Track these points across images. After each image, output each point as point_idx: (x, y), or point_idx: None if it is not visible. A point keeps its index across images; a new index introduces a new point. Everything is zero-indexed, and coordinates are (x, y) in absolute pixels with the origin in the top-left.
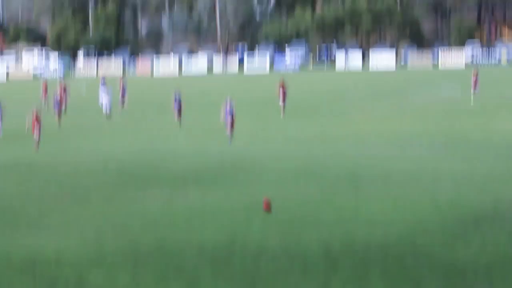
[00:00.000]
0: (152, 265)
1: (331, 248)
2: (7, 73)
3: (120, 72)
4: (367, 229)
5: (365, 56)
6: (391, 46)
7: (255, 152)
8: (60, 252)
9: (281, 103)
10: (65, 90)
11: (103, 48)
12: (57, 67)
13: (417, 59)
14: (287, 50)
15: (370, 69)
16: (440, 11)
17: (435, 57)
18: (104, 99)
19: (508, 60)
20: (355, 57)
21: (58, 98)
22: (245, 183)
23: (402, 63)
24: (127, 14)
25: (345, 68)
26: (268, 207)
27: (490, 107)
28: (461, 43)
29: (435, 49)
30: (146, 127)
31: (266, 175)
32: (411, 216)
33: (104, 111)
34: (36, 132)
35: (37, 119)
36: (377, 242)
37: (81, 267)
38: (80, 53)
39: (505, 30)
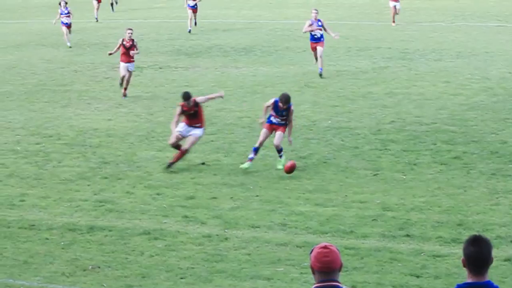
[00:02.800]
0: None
1: (382, 124)
2: None
3: None
4: (417, 107)
5: None
6: None
7: None
8: (110, 128)
9: None
10: None
11: None
12: None
13: None
14: None
15: None
16: None
17: None
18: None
19: None
20: None
21: None
22: (296, 56)
23: None
24: None
25: None
26: (289, 169)
27: None
28: None
29: None
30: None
31: None
32: (462, 94)
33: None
34: None
35: None
36: (428, 120)
37: (131, 143)
38: None
39: None
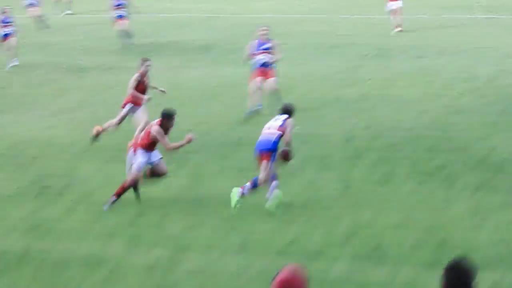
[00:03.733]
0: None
1: (355, 131)
2: None
3: None
4: (395, 110)
5: None
6: None
7: (273, 22)
8: (50, 138)
9: None
10: None
11: None
12: None
13: None
14: None
15: None
16: None
17: None
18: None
19: None
20: None
21: None
22: None
23: None
24: None
25: None
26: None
27: None
28: None
29: None
30: None
31: (286, 47)
32: (446, 95)
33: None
34: None
35: None
36: (407, 125)
37: (74, 155)
38: None
39: None
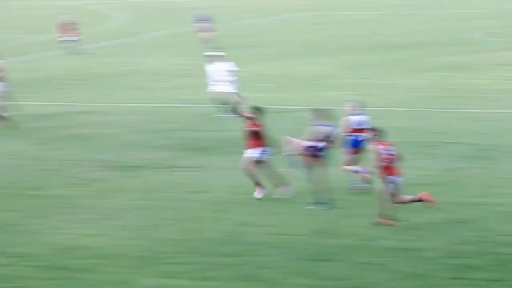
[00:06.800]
0: None
1: (456, 246)
2: None
3: None
4: (506, 222)
5: None
6: None
7: None
8: (98, 247)
9: None
10: None
11: None
12: None
13: None
14: None
15: None
16: None
17: None
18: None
19: None
20: None
21: None
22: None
23: None
24: None
25: None
26: None
27: None
28: None
29: None
30: None
31: None
32: None
33: None
34: None
35: None
36: None
37: (129, 267)
38: None
39: None
